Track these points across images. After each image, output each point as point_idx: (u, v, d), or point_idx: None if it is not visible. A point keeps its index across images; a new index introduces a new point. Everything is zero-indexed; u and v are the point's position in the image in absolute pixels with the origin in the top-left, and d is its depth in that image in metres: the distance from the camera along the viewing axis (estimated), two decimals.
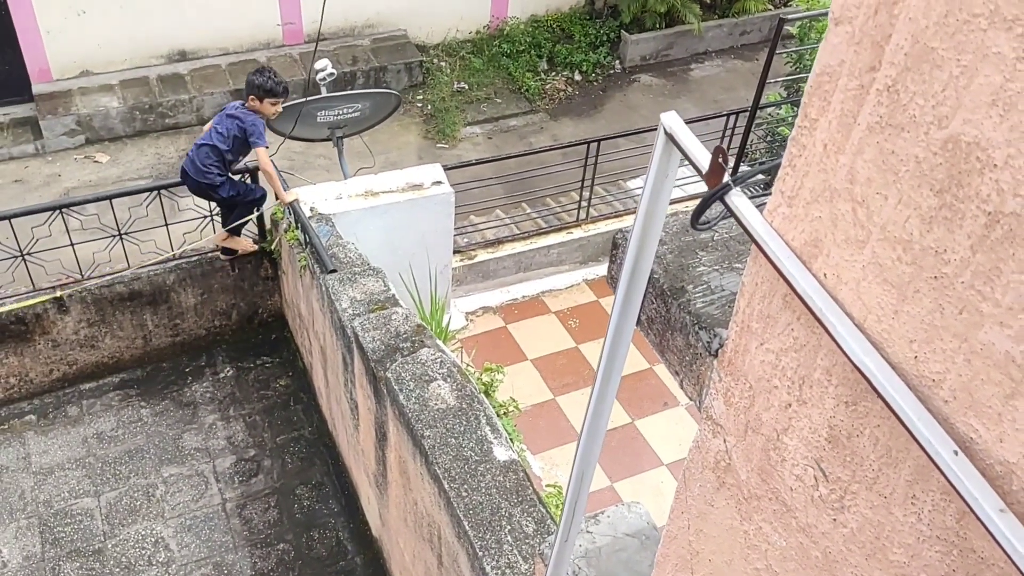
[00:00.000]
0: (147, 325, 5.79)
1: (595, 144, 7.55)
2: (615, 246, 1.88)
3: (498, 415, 5.26)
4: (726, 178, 1.40)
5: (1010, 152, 0.96)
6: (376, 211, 5.67)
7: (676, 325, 1.70)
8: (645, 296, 1.79)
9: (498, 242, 7.59)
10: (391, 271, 5.71)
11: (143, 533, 5.15)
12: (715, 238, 1.81)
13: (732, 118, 7.98)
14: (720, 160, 1.40)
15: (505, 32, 12.93)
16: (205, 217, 5.51)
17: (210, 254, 5.74)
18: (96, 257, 5.61)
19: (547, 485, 4.96)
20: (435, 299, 5.58)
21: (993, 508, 1.03)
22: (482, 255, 7.38)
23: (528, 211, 8.66)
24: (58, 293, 5.38)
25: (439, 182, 5.95)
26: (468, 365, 5.98)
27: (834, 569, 1.39)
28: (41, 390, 5.83)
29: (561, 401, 6.56)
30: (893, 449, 1.22)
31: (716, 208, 1.45)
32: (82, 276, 5.52)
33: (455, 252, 7.17)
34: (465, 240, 7.81)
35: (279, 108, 5.14)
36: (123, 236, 5.40)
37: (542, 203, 8.73)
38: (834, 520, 1.36)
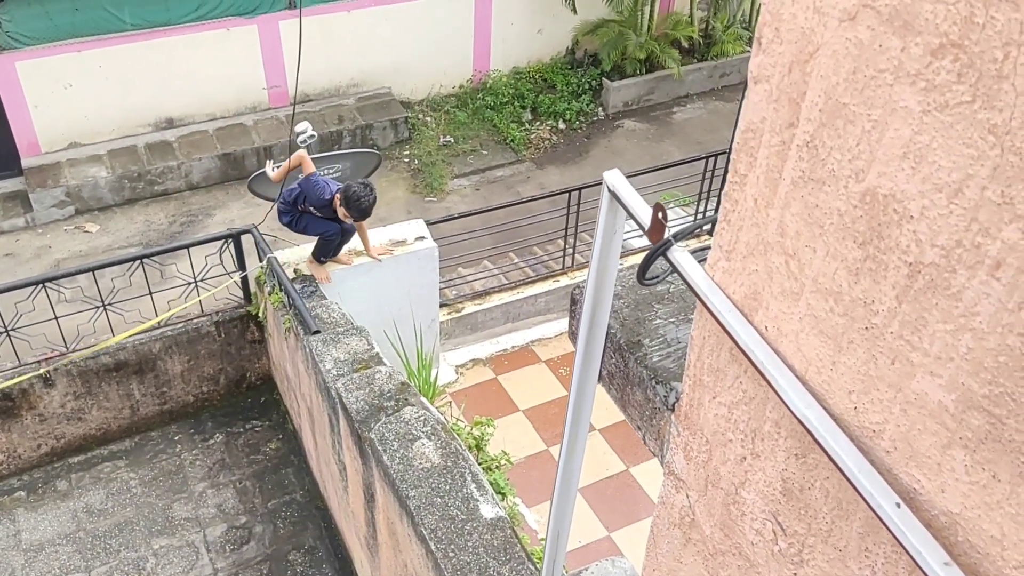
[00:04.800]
0: (134, 395, 5.76)
1: (576, 192, 7.61)
2: (573, 302, 1.88)
3: (489, 469, 5.22)
4: (667, 234, 1.41)
5: (924, 204, 0.96)
6: (360, 269, 5.68)
7: (634, 379, 1.70)
8: (604, 351, 1.79)
9: (486, 293, 7.60)
10: (377, 329, 5.71)
11: None
12: (671, 290, 1.81)
13: (712, 160, 8.06)
14: (660, 216, 1.40)
15: (488, 85, 13.11)
16: (189, 283, 5.51)
17: (195, 320, 5.73)
18: (80, 329, 5.60)
19: (541, 539, 4.90)
20: (421, 355, 5.56)
21: (937, 562, 1.02)
22: (470, 307, 7.38)
23: (516, 260, 8.68)
24: (42, 370, 5.36)
25: (422, 237, 5.97)
26: (458, 419, 5.95)
27: None
28: (30, 465, 5.77)
29: (555, 451, 6.51)
30: (843, 501, 1.21)
31: (663, 263, 1.46)
32: (67, 349, 5.50)
33: (443, 305, 7.17)
34: (454, 293, 7.81)
35: (349, 219, 5.46)
36: (107, 307, 5.40)
37: (529, 252, 8.76)
38: (795, 574, 1.34)
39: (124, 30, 10.82)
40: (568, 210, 7.71)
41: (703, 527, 1.55)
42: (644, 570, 1.82)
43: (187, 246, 5.48)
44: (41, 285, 5.20)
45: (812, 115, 1.08)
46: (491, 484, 5.08)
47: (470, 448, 5.40)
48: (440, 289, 6.82)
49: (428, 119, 12.84)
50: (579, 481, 2.02)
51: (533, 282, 7.84)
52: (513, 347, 7.38)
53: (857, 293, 1.09)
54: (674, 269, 1.40)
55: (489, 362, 7.25)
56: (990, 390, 0.94)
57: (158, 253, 5.43)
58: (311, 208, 5.49)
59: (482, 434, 5.42)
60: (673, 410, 1.57)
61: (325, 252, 5.68)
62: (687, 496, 1.58)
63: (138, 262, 5.42)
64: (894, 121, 0.97)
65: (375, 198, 5.33)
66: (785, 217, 1.18)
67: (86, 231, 10.75)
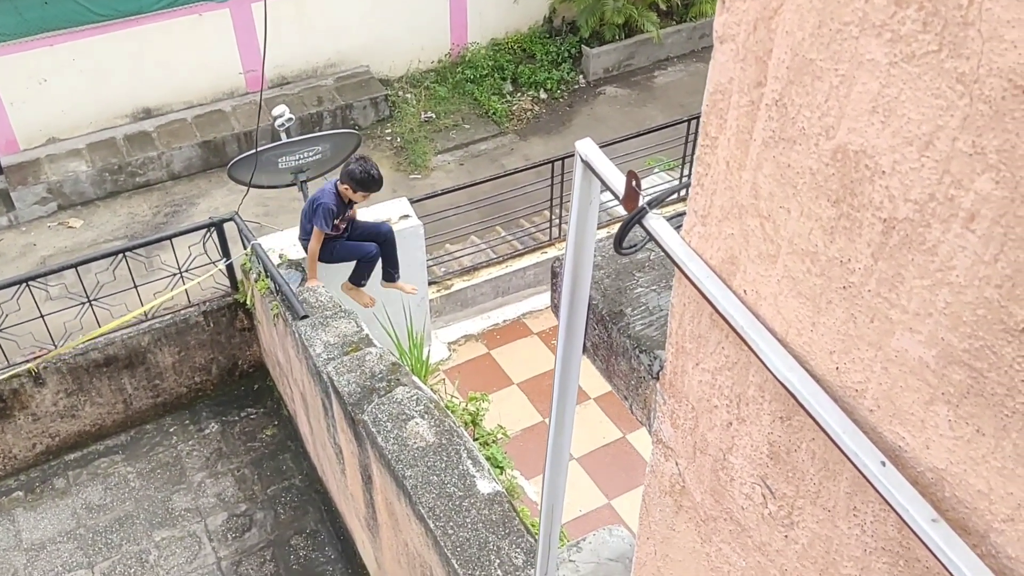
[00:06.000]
0: (126, 389, 5.73)
1: (559, 163, 7.56)
2: (553, 275, 1.86)
3: (486, 443, 5.23)
4: (642, 202, 1.38)
5: (895, 158, 0.94)
6: None
7: (618, 350, 1.68)
8: (587, 323, 1.77)
9: (474, 269, 7.57)
10: (366, 311, 5.69)
11: None
12: (651, 258, 1.79)
13: (694, 123, 8.00)
14: (633, 184, 1.38)
15: (467, 58, 12.99)
16: (175, 274, 5.47)
17: (183, 311, 5.70)
18: (67, 326, 5.56)
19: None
20: (412, 334, 5.55)
21: (925, 519, 1.01)
22: (459, 283, 7.35)
23: (503, 234, 8.65)
24: (30, 366, 5.33)
25: (407, 215, 5.93)
26: (453, 396, 5.95)
27: None
28: (26, 465, 5.76)
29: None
30: (830, 462, 1.20)
31: (642, 232, 1.44)
32: (55, 346, 5.47)
33: (432, 283, 7.15)
34: (442, 270, 7.78)
35: (367, 199, 5.38)
36: (93, 302, 5.36)
37: (516, 224, 8.72)
38: (786, 537, 1.34)
39: (95, 21, 10.66)
40: (552, 180, 7.67)
41: (694, 494, 1.54)
42: (638, 539, 1.82)
43: (169, 237, 5.43)
44: (25, 284, 5.16)
45: (779, 73, 1.06)
46: (488, 458, 5.09)
47: (466, 424, 5.41)
48: (428, 267, 6.79)
49: (408, 96, 12.74)
50: (569, 454, 2.01)
51: (521, 255, 7.81)
52: (504, 321, 7.37)
53: (833, 252, 1.07)
54: (650, 237, 1.38)
55: (481, 337, 7.24)
56: (970, 344, 0.93)
57: (141, 245, 5.38)
58: (335, 227, 5.38)
59: (477, 409, 5.43)
60: (658, 378, 1.56)
61: (366, 274, 5.59)
62: (676, 464, 1.57)
63: (121, 256, 5.37)
64: (861, 75, 0.95)
65: (374, 164, 5.27)
66: (758, 179, 1.15)
67: (70, 227, 10.67)
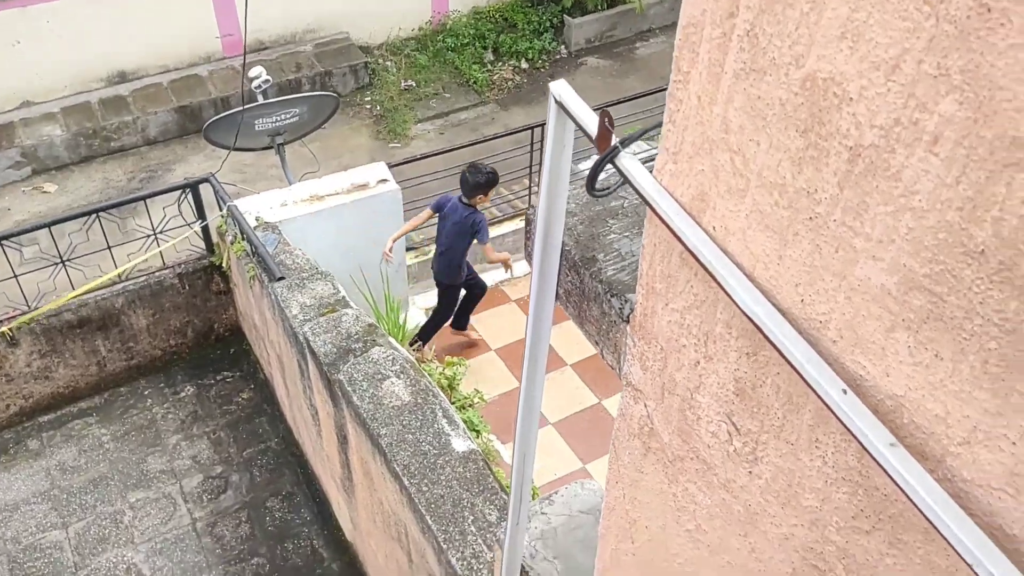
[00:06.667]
0: (100, 351, 5.70)
1: (539, 129, 7.54)
2: (528, 222, 1.86)
3: (463, 407, 5.25)
4: (614, 141, 1.39)
5: (863, 84, 0.95)
6: (322, 215, 5.62)
7: (590, 295, 1.69)
8: (560, 269, 1.78)
9: None
10: (343, 274, 5.67)
11: (114, 561, 5.07)
12: (625, 205, 1.80)
13: None
14: (607, 123, 1.38)
15: (448, 26, 12.87)
16: (149, 236, 5.42)
17: (158, 272, 5.66)
18: (41, 287, 5.51)
19: None
20: (389, 298, 5.54)
21: (883, 443, 1.03)
22: None
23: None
24: (3, 328, 5.28)
25: (385, 180, 5.90)
26: (430, 361, 5.95)
27: (756, 521, 1.38)
28: (0, 426, 5.72)
29: None
30: (793, 395, 1.22)
31: (615, 174, 1.44)
32: (28, 308, 5.42)
33: (410, 249, 7.13)
34: (421, 236, 7.75)
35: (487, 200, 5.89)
36: (66, 263, 5.31)
37: (495, 192, 8.69)
38: (750, 472, 1.36)
39: None
40: (532, 148, 7.65)
41: (661, 435, 1.56)
42: (607, 484, 1.84)
43: (144, 197, 5.38)
44: None
45: (751, 2, 1.06)
46: (465, 422, 5.11)
47: (443, 388, 5.42)
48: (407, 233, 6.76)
49: (388, 64, 12.62)
50: (542, 401, 2.03)
51: (500, 222, 7.80)
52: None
53: (801, 183, 1.08)
54: (622, 176, 1.38)
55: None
56: (931, 268, 0.94)
57: (115, 205, 5.33)
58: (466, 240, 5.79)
59: (454, 374, 5.44)
60: (628, 321, 1.57)
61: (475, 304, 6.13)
62: (645, 406, 1.59)
63: (95, 216, 5.32)
64: (831, 0, 0.96)
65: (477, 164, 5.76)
66: (728, 112, 1.16)
67: (44, 191, 10.53)
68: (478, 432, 5.07)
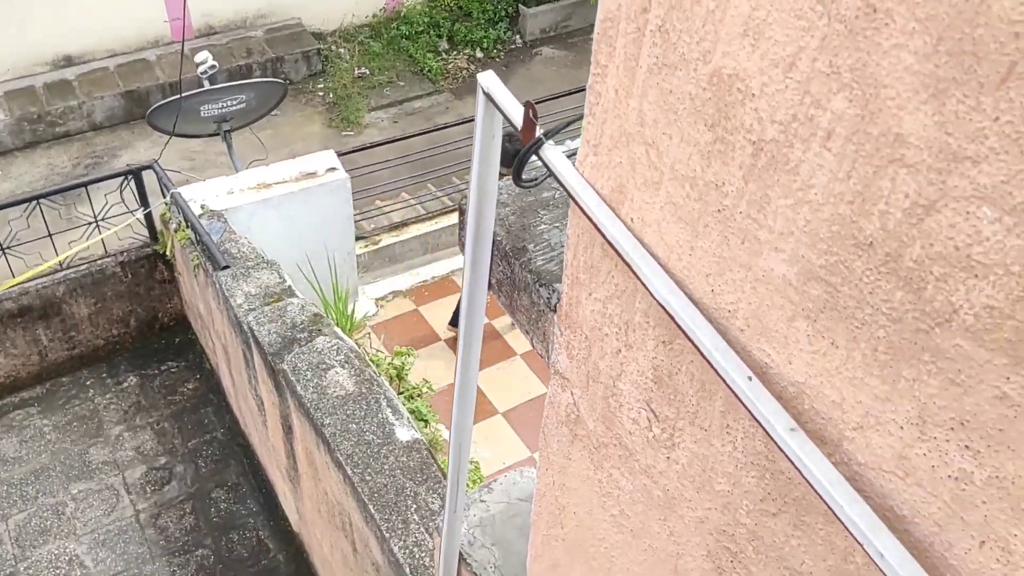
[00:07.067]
0: (41, 340, 5.59)
1: None
2: (461, 212, 1.88)
3: (411, 397, 5.25)
4: (539, 132, 1.40)
5: (764, 80, 0.98)
6: (270, 203, 5.56)
7: (520, 285, 1.71)
8: (492, 259, 1.79)
9: (403, 224, 7.53)
10: (291, 263, 5.62)
11: (56, 552, 4.99)
12: (556, 196, 1.82)
13: None
14: (531, 115, 1.40)
15: (402, 14, 12.80)
16: (90, 223, 5.32)
17: (99, 260, 5.56)
18: None
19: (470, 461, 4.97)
20: (337, 288, 5.51)
21: (784, 428, 1.06)
22: (387, 239, 7.31)
23: (434, 191, 8.61)
24: None
25: (333, 168, 5.86)
26: (379, 351, 5.94)
27: (674, 505, 1.42)
28: None
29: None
30: (706, 383, 1.25)
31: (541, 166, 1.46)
32: None
33: (360, 238, 7.09)
34: (371, 225, 7.72)
35: None
36: (5, 251, 5.19)
37: (447, 181, 8.69)
38: (668, 458, 1.39)
39: None
40: None
41: (587, 422, 1.59)
42: (538, 471, 1.87)
43: (85, 184, 5.28)
44: None
45: None
46: (413, 412, 5.11)
47: (391, 378, 5.41)
48: (356, 222, 6.73)
49: (342, 51, 12.51)
50: (476, 385, 2.05)
51: (452, 211, 7.79)
52: (433, 278, 7.36)
53: (709, 176, 1.11)
54: (546, 167, 1.40)
55: (409, 294, 7.23)
56: (826, 260, 0.98)
57: (56, 192, 5.22)
58: None
59: (403, 364, 5.43)
60: (555, 311, 1.60)
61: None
62: (571, 393, 1.61)
63: (35, 203, 5.20)
64: None
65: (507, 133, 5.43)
66: (643, 106, 1.18)
67: None
68: (426, 422, 5.07)
